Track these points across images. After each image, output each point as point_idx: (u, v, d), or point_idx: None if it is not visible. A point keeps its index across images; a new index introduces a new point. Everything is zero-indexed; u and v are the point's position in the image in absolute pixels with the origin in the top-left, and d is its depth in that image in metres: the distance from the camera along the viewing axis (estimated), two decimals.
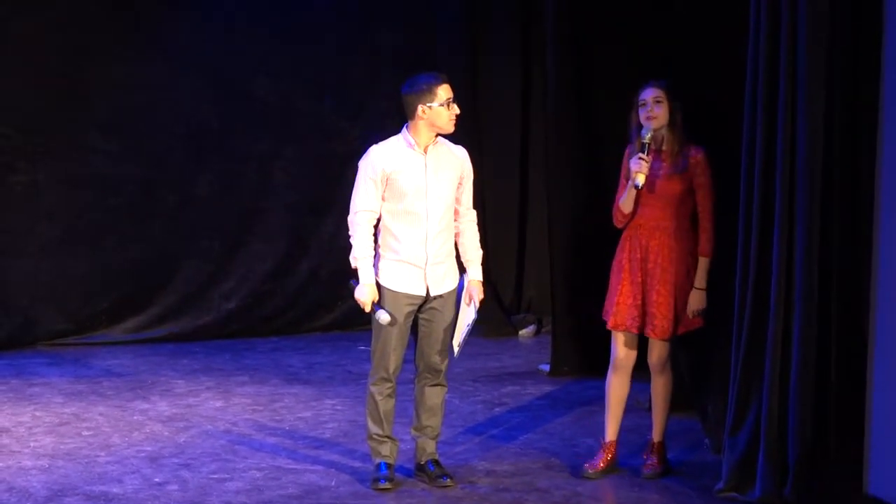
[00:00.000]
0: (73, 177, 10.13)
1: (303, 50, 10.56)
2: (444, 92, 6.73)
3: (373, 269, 6.79)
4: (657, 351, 7.04)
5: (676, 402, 7.62)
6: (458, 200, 6.91)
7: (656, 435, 7.16)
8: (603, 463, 7.10)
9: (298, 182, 10.70)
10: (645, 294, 6.97)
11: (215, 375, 9.39)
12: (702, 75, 7.69)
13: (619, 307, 7.00)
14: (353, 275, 6.82)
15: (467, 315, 6.84)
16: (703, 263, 6.94)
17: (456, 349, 6.86)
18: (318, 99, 10.67)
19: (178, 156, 10.39)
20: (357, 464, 7.28)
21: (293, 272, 10.76)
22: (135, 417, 8.28)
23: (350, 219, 6.83)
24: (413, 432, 7.06)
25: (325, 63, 10.62)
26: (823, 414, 6.52)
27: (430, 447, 7.03)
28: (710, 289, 7.05)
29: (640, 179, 6.81)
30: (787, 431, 6.55)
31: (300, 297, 10.78)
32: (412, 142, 6.77)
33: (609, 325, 7.06)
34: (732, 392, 6.81)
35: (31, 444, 7.66)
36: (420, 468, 7.05)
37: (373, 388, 6.89)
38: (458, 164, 6.87)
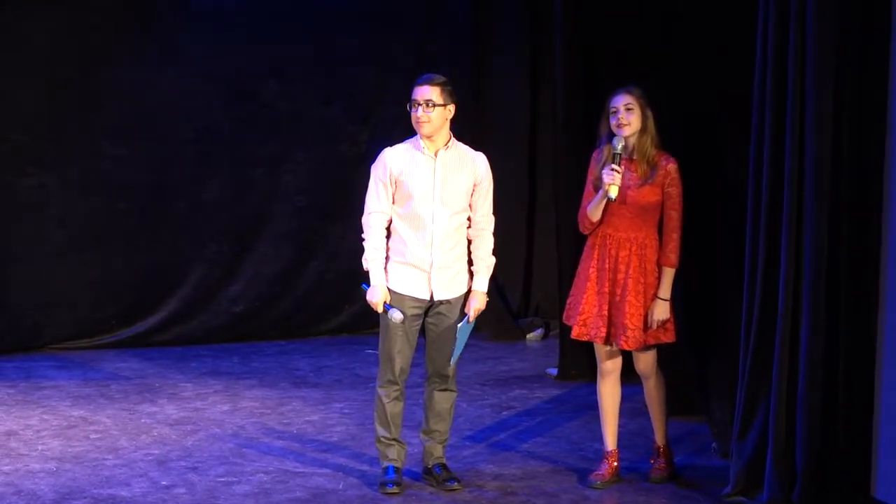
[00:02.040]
0: (83, 181, 10.14)
1: (312, 55, 10.57)
2: (413, 93, 6.76)
3: (383, 271, 6.80)
4: (642, 360, 6.99)
5: (683, 407, 7.60)
6: (471, 207, 6.89)
7: (659, 439, 7.15)
8: (608, 472, 7.08)
9: (307, 186, 10.71)
10: (613, 305, 6.89)
11: (223, 379, 9.40)
12: (708, 80, 7.67)
13: (584, 316, 6.95)
14: (363, 277, 6.82)
15: (464, 331, 6.80)
16: (667, 274, 6.83)
17: (453, 363, 6.83)
18: (326, 104, 10.67)
19: (188, 160, 10.40)
20: (365, 467, 7.28)
21: (301, 276, 10.77)
22: (142, 421, 8.29)
23: (363, 220, 6.86)
24: (421, 436, 7.06)
25: (334, 68, 10.63)
26: (831, 418, 6.51)
27: (437, 451, 7.03)
28: (714, 295, 7.04)
29: (614, 192, 6.70)
30: (795, 435, 6.54)
31: (308, 300, 10.79)
32: (422, 145, 6.79)
33: (573, 334, 7.03)
34: (740, 396, 6.81)
35: (39, 447, 7.67)
36: (428, 472, 7.04)
37: (380, 391, 6.89)
38: (471, 169, 6.84)
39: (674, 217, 6.83)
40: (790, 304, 6.51)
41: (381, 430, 6.93)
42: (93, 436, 7.93)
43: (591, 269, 6.94)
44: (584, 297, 6.95)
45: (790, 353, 6.54)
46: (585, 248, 7.02)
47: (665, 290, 6.82)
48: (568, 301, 7.11)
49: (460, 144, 6.87)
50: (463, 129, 6.96)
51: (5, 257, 10.02)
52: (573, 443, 7.81)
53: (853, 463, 6.51)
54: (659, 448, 7.16)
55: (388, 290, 6.81)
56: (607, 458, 7.09)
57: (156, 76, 10.24)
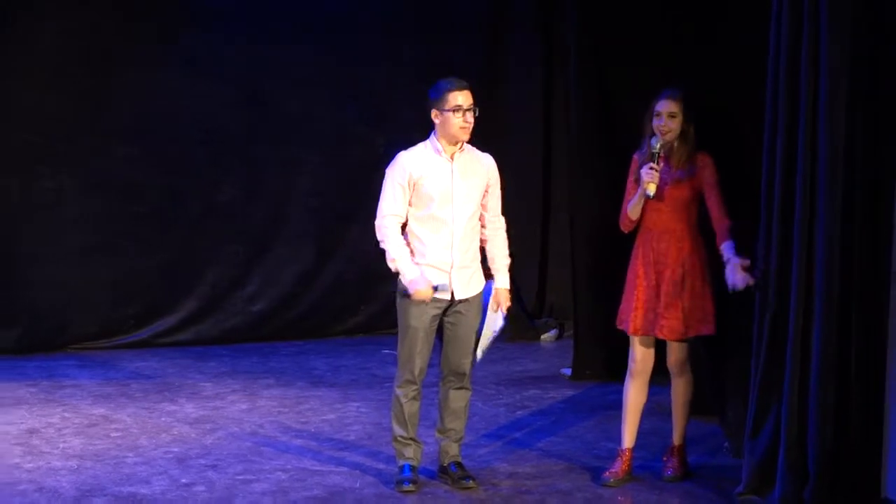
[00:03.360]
0: (99, 183, 10.18)
1: (326, 59, 10.59)
2: (454, 98, 6.73)
3: (413, 263, 6.75)
4: (674, 353, 7.04)
5: (697, 407, 7.61)
6: (484, 207, 6.91)
7: (677, 438, 7.16)
8: (622, 470, 7.10)
9: (323, 189, 10.73)
10: (659, 297, 7.00)
11: (242, 378, 9.42)
12: (720, 84, 7.69)
13: (637, 312, 7.02)
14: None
15: (494, 322, 6.85)
16: (729, 246, 6.79)
17: (479, 354, 6.87)
18: (340, 107, 10.68)
19: (202, 162, 10.43)
20: (381, 466, 7.30)
21: (318, 277, 10.79)
22: (162, 419, 8.31)
23: (377, 223, 6.82)
24: (437, 434, 7.08)
25: (348, 72, 10.65)
26: (842, 418, 6.51)
27: (453, 450, 7.05)
28: (727, 296, 7.05)
29: (652, 189, 6.84)
30: (807, 435, 6.54)
31: (325, 301, 10.81)
32: (439, 148, 6.80)
33: (630, 331, 7.06)
34: (752, 396, 6.81)
35: (61, 445, 7.70)
36: (443, 470, 7.06)
37: (398, 391, 6.91)
38: (484, 171, 6.87)
39: (717, 202, 6.91)
40: (802, 304, 6.52)
41: (398, 430, 6.94)
42: (113, 434, 7.96)
43: (638, 266, 7.05)
44: (636, 293, 7.03)
45: (802, 353, 6.54)
46: (633, 248, 7.11)
47: (730, 249, 6.77)
48: (620, 307, 7.13)
49: (470, 147, 6.90)
50: (478, 133, 6.98)
51: (25, 258, 10.07)
52: (587, 442, 7.82)
53: (864, 462, 6.51)
54: (674, 447, 7.18)
55: (399, 293, 6.83)
56: (621, 456, 7.11)
57: (169, 79, 10.28)
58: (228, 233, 10.54)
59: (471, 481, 6.94)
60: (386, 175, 6.80)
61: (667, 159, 6.96)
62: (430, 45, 10.63)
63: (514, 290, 10.58)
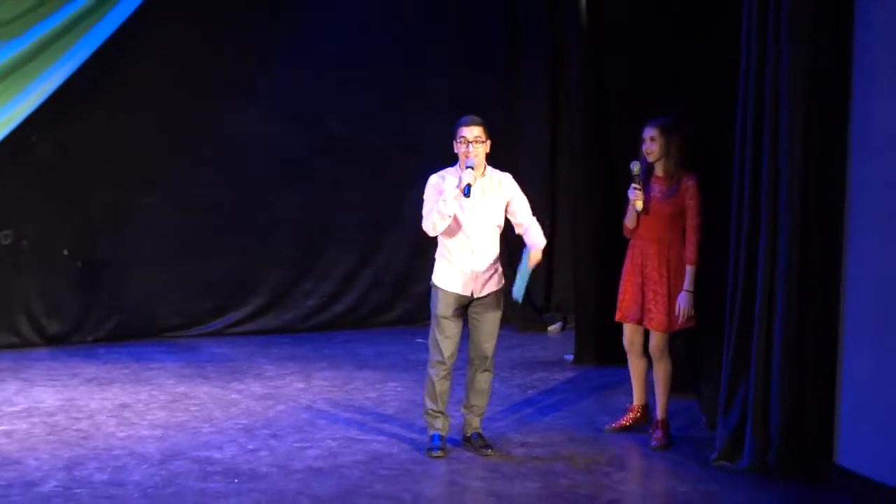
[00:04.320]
0: (186, 200, 10.17)
1: (370, 95, 10.57)
2: (461, 132, 6.78)
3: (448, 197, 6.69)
4: (654, 341, 7.12)
5: (677, 387, 7.59)
6: (514, 215, 6.95)
7: (660, 413, 7.16)
8: (626, 421, 7.33)
9: (364, 204, 10.70)
10: (643, 293, 7.10)
11: (299, 362, 9.40)
12: (702, 105, 7.65)
13: (624, 303, 7.17)
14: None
15: (525, 272, 6.79)
16: (689, 270, 6.98)
17: (520, 296, 6.81)
18: (382, 135, 10.67)
19: (267, 182, 10.40)
20: (415, 435, 7.28)
21: (362, 277, 10.77)
22: (232, 396, 8.32)
23: (424, 224, 6.79)
24: (463, 410, 7.08)
25: (388, 106, 10.63)
26: (800, 397, 6.49)
27: (475, 423, 7.06)
28: (704, 291, 7.05)
29: (639, 205, 6.99)
30: (770, 411, 6.52)
31: (368, 297, 10.79)
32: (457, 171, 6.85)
33: (616, 318, 7.23)
34: (724, 378, 6.80)
35: (148, 418, 7.72)
36: (466, 439, 7.06)
37: (431, 371, 6.91)
38: (502, 189, 6.89)
39: (693, 224, 6.99)
40: (766, 299, 6.50)
41: (429, 404, 6.94)
42: (192, 408, 7.98)
43: (628, 266, 7.17)
44: (625, 287, 7.18)
45: (766, 341, 6.52)
46: (627, 251, 7.23)
47: (689, 283, 6.97)
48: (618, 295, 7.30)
49: (492, 170, 6.90)
50: (496, 152, 7.00)
51: (122, 262, 10.05)
52: (586, 416, 7.80)
53: (819, 435, 6.49)
54: (658, 421, 7.16)
55: (439, 288, 6.87)
56: (630, 411, 7.36)
57: (243, 114, 10.25)
58: (288, 241, 10.53)
59: (490, 450, 6.95)
60: (426, 193, 6.82)
61: (657, 177, 7.02)
62: (457, 83, 10.58)
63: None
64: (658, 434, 7.13)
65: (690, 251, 6.97)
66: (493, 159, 6.97)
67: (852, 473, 6.33)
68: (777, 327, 6.46)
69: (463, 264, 6.84)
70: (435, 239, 6.90)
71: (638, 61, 8.57)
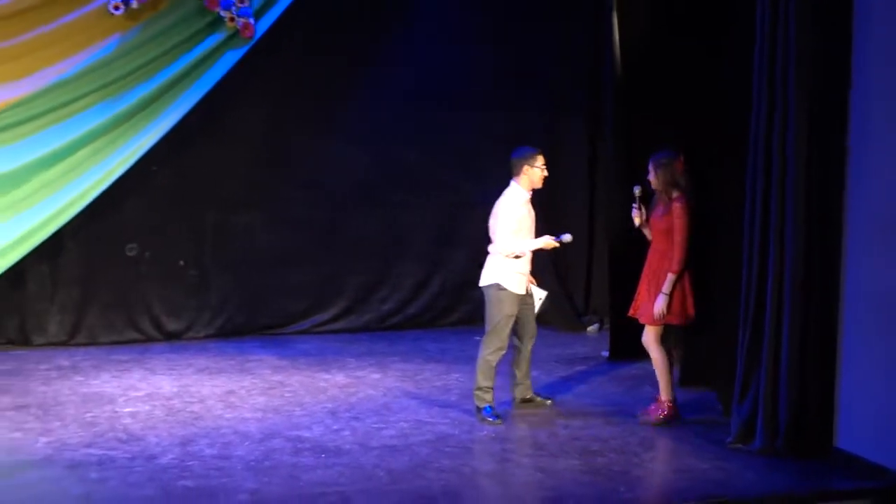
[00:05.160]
0: (279, 218, 10.20)
1: (433, 128, 10.50)
2: (540, 159, 7.18)
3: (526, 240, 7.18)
4: (645, 334, 7.21)
5: (698, 379, 7.53)
6: None
7: (662, 394, 7.23)
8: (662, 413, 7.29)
9: (431, 221, 10.67)
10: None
11: (376, 356, 9.41)
12: (715, 129, 7.61)
13: (637, 302, 7.28)
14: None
15: (538, 292, 7.39)
16: (669, 277, 7.03)
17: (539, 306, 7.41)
18: (445, 164, 10.61)
19: (349, 204, 10.40)
20: (474, 418, 7.28)
21: (429, 285, 10.74)
22: (320, 384, 8.34)
23: (505, 245, 7.13)
24: (520, 379, 7.45)
25: (449, 138, 10.57)
26: (804, 390, 6.43)
27: (531, 386, 7.52)
28: (723, 296, 7.06)
29: (637, 221, 7.22)
30: (779, 401, 6.47)
31: (433, 302, 10.75)
32: (525, 194, 7.17)
33: (629, 313, 7.35)
34: (739, 372, 6.74)
35: (250, 402, 7.78)
36: (527, 400, 7.45)
37: (491, 357, 7.16)
38: None
39: (676, 240, 7.04)
40: (776, 303, 6.45)
41: (485, 382, 7.17)
42: (286, 394, 8.02)
43: (642, 273, 7.30)
44: (637, 290, 7.28)
45: (775, 341, 6.47)
46: None
47: (666, 287, 7.04)
48: None
49: None
50: (545, 181, 7.36)
51: (227, 271, 10.10)
52: (618, 404, 7.74)
53: (821, 422, 6.43)
54: (659, 399, 7.21)
55: (507, 290, 7.12)
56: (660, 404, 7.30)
57: (328, 143, 10.24)
58: (366, 254, 10.52)
59: (550, 399, 7.56)
60: (510, 211, 7.12)
61: (658, 198, 7.16)
62: (506, 120, 10.54)
63: (567, 295, 10.61)
64: (655, 408, 7.20)
65: (672, 261, 7.01)
66: (544, 186, 7.29)
67: (849, 455, 6.28)
68: (784, 330, 6.41)
69: (523, 269, 7.19)
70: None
71: (662, 91, 8.50)
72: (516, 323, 7.26)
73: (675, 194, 7.05)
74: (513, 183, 7.20)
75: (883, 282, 6.05)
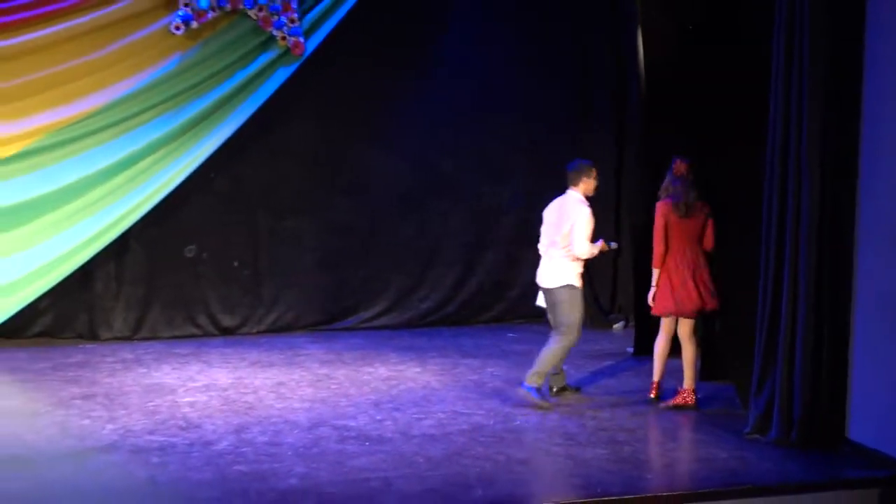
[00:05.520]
0: (326, 223, 10.22)
1: (469, 140, 10.48)
2: (596, 172, 7.43)
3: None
4: (680, 326, 7.37)
5: (718, 373, 7.50)
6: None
7: (686, 383, 7.32)
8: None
9: (466, 227, 10.63)
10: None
11: (415, 351, 9.39)
12: (737, 135, 7.58)
13: (673, 297, 7.36)
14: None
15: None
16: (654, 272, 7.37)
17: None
18: (477, 172, 10.56)
19: (391, 210, 10.41)
20: (507, 410, 7.28)
21: (465, 286, 10.71)
22: (364, 377, 8.35)
23: (584, 247, 7.30)
24: (557, 371, 7.58)
25: (481, 148, 10.49)
26: (818, 384, 6.40)
27: (565, 376, 7.74)
28: (728, 294, 7.18)
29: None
30: (794, 395, 6.44)
31: (469, 301, 10.72)
32: (585, 200, 7.37)
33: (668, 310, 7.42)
34: (756, 369, 6.72)
35: (299, 393, 7.80)
36: (563, 388, 7.62)
37: (564, 348, 7.33)
38: None
39: (710, 240, 7.35)
40: (791, 302, 6.42)
41: (546, 367, 7.36)
42: (332, 386, 8.04)
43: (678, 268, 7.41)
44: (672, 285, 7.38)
45: (790, 341, 6.45)
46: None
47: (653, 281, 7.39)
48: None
49: None
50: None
51: (278, 271, 10.10)
52: (644, 397, 7.69)
53: (833, 415, 6.40)
54: (684, 389, 7.29)
55: (576, 287, 7.32)
56: (680, 394, 7.36)
57: (369, 154, 10.25)
58: (406, 256, 10.51)
59: (578, 389, 7.75)
60: (587, 217, 7.29)
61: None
62: (533, 129, 10.48)
63: (594, 295, 10.56)
64: (677, 396, 7.34)
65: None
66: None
67: (860, 446, 6.24)
68: (799, 330, 6.38)
69: (582, 269, 7.39)
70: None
71: (684, 102, 8.46)
72: (556, 316, 7.42)
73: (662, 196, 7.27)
74: (572, 192, 7.34)
75: (892, 282, 6.00)
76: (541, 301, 7.53)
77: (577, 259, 7.29)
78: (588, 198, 7.40)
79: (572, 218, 7.24)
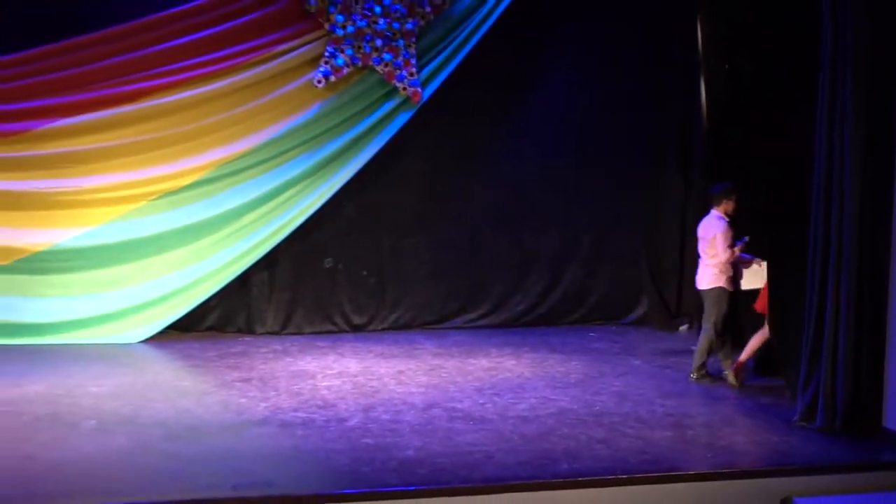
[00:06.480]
0: (437, 239, 10.12)
1: (554, 169, 10.28)
2: (735, 194, 7.54)
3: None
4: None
5: (769, 369, 7.33)
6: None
7: (743, 357, 7.46)
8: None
9: (554, 243, 10.44)
10: None
11: (511, 347, 9.34)
12: (785, 179, 7.41)
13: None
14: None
15: None
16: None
17: None
18: (561, 197, 10.32)
19: (489, 229, 10.28)
20: (588, 397, 7.23)
21: (553, 292, 10.58)
22: (468, 367, 8.34)
23: (726, 256, 7.45)
24: (724, 356, 7.63)
25: (564, 176, 10.30)
26: (858, 378, 6.23)
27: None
28: (780, 300, 7.03)
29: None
30: (836, 389, 6.28)
31: (557, 306, 10.57)
32: (725, 219, 7.47)
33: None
34: (803, 363, 6.58)
35: (416, 380, 7.83)
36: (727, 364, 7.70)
37: (712, 335, 7.49)
38: None
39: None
40: (834, 307, 6.27)
41: (707, 345, 7.55)
42: (442, 374, 8.05)
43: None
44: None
45: (833, 340, 6.30)
46: None
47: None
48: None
49: None
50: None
51: (399, 279, 10.04)
52: (704, 388, 7.57)
53: (872, 406, 6.24)
54: (738, 361, 7.40)
55: (724, 289, 7.41)
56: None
57: (472, 181, 10.08)
58: (503, 266, 10.42)
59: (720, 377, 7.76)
60: (726, 234, 7.43)
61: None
62: (610, 160, 10.27)
63: (662, 299, 10.36)
64: (734, 368, 7.45)
65: None
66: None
67: (895, 433, 6.04)
68: (841, 331, 6.23)
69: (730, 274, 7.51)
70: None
71: (742, 137, 8.29)
72: (705, 311, 7.63)
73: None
74: (715, 211, 7.54)
75: None
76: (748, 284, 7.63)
77: (722, 265, 7.42)
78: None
79: (711, 232, 7.48)
